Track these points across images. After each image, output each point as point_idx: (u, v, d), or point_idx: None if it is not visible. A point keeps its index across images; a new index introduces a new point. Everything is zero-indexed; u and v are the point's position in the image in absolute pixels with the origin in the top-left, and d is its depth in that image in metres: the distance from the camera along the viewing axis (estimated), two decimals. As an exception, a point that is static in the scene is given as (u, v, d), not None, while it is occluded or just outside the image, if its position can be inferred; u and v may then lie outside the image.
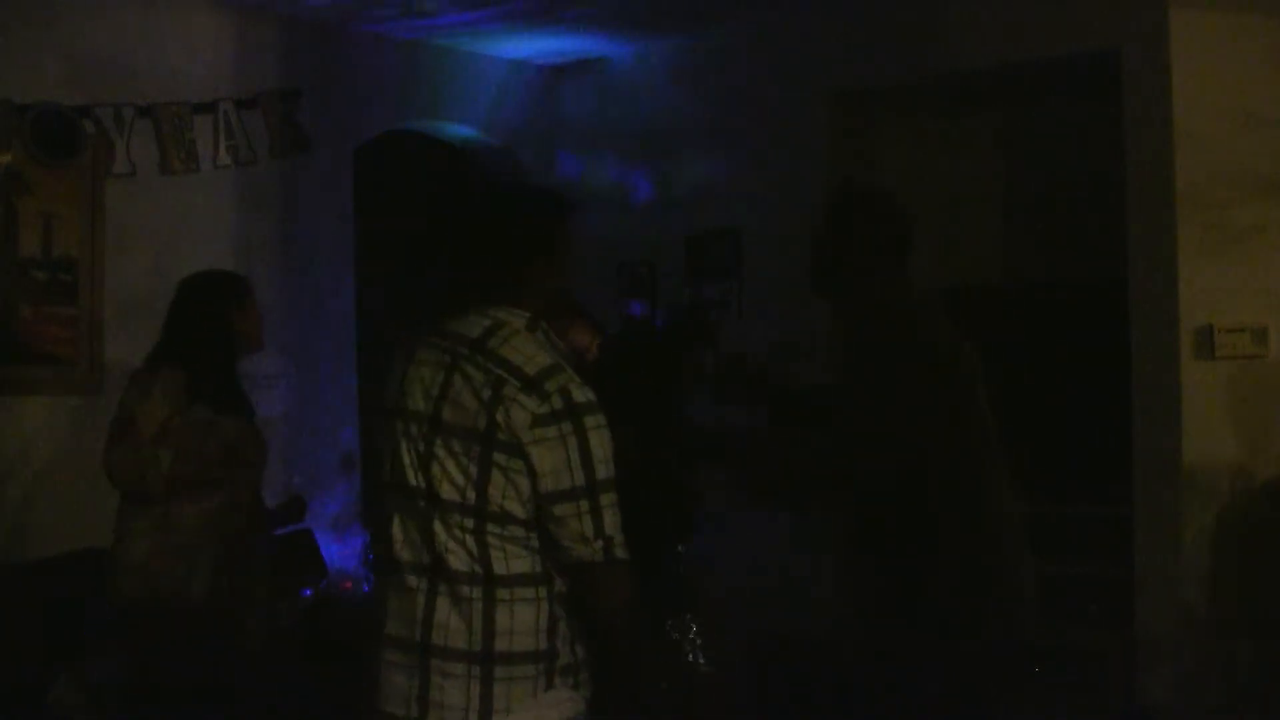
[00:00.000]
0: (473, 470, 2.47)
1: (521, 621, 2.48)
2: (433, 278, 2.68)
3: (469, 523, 2.48)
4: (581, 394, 2.49)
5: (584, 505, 2.46)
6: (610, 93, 6.75)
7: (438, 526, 2.50)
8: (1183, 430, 4.88)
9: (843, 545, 3.48)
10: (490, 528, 2.48)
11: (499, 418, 2.44)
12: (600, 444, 2.49)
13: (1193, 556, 4.90)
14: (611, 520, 2.49)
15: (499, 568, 2.47)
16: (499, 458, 2.45)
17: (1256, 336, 4.88)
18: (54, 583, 4.34)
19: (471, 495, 2.47)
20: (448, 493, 2.49)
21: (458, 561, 2.48)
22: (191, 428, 3.59)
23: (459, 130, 6.67)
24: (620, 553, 2.50)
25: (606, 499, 2.49)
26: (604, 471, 2.49)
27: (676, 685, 3.51)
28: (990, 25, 5.40)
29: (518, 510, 2.47)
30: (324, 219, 5.94)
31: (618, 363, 3.75)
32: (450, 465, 2.49)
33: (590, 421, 2.48)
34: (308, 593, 5.30)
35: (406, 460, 2.55)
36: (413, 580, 2.52)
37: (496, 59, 6.67)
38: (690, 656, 3.55)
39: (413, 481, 2.54)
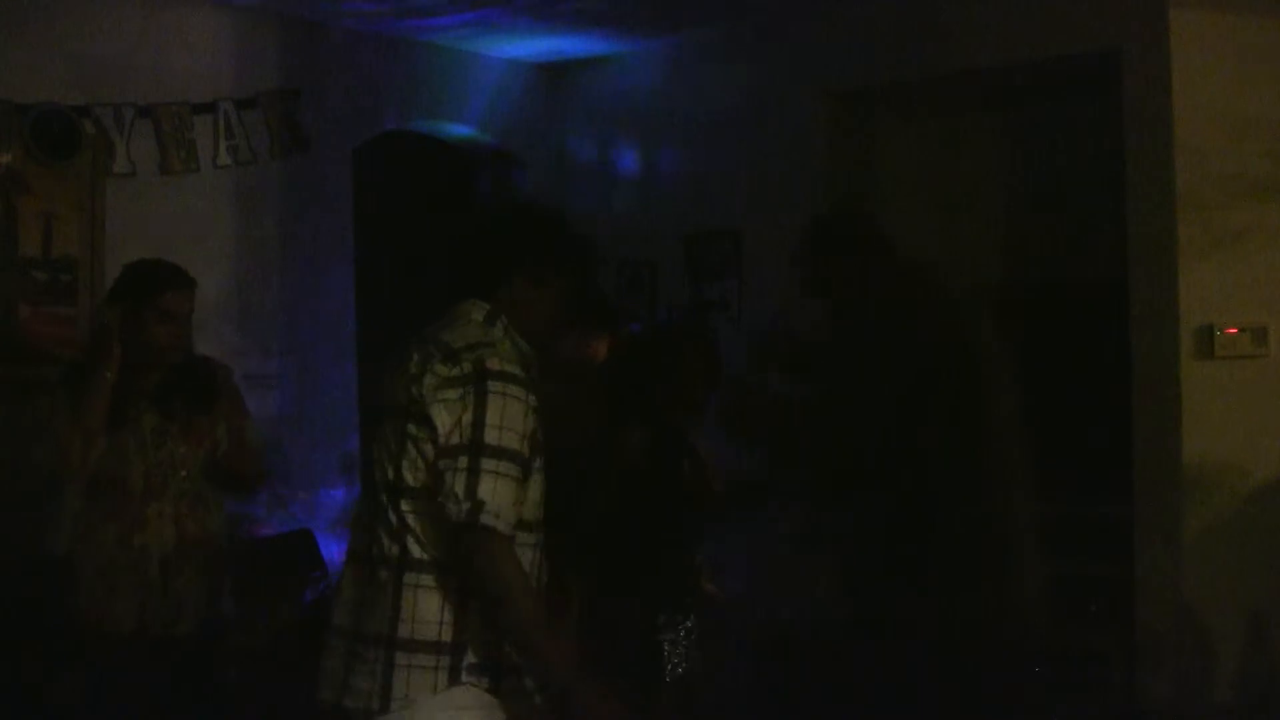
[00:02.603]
0: (394, 447, 2.50)
1: (425, 609, 2.45)
2: (432, 280, 2.69)
3: (393, 501, 2.50)
4: (497, 363, 2.47)
5: (462, 462, 2.41)
6: (610, 93, 6.75)
7: (379, 514, 2.53)
8: (1183, 430, 4.88)
9: (844, 540, 3.51)
10: (405, 505, 2.48)
11: (414, 389, 2.47)
12: (499, 410, 2.44)
13: (1193, 556, 4.90)
14: (489, 487, 2.41)
15: (414, 551, 2.47)
16: (411, 428, 2.47)
17: (1256, 336, 4.88)
18: (55, 583, 4.33)
19: (391, 473, 2.50)
20: (379, 474, 2.54)
21: (382, 546, 2.51)
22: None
23: (459, 130, 6.67)
24: (490, 520, 2.40)
25: (490, 464, 2.42)
26: (494, 437, 2.43)
27: (660, 691, 3.51)
28: (990, 25, 5.39)
29: (425, 479, 2.46)
30: (324, 219, 5.94)
31: (623, 365, 3.76)
32: (380, 447, 2.54)
33: (494, 387, 2.45)
34: (308, 595, 5.30)
35: (376, 455, 2.58)
36: (356, 570, 2.58)
37: (496, 59, 6.67)
38: (680, 661, 3.54)
39: (375, 474, 2.58)
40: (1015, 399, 3.40)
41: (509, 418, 2.45)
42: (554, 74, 6.89)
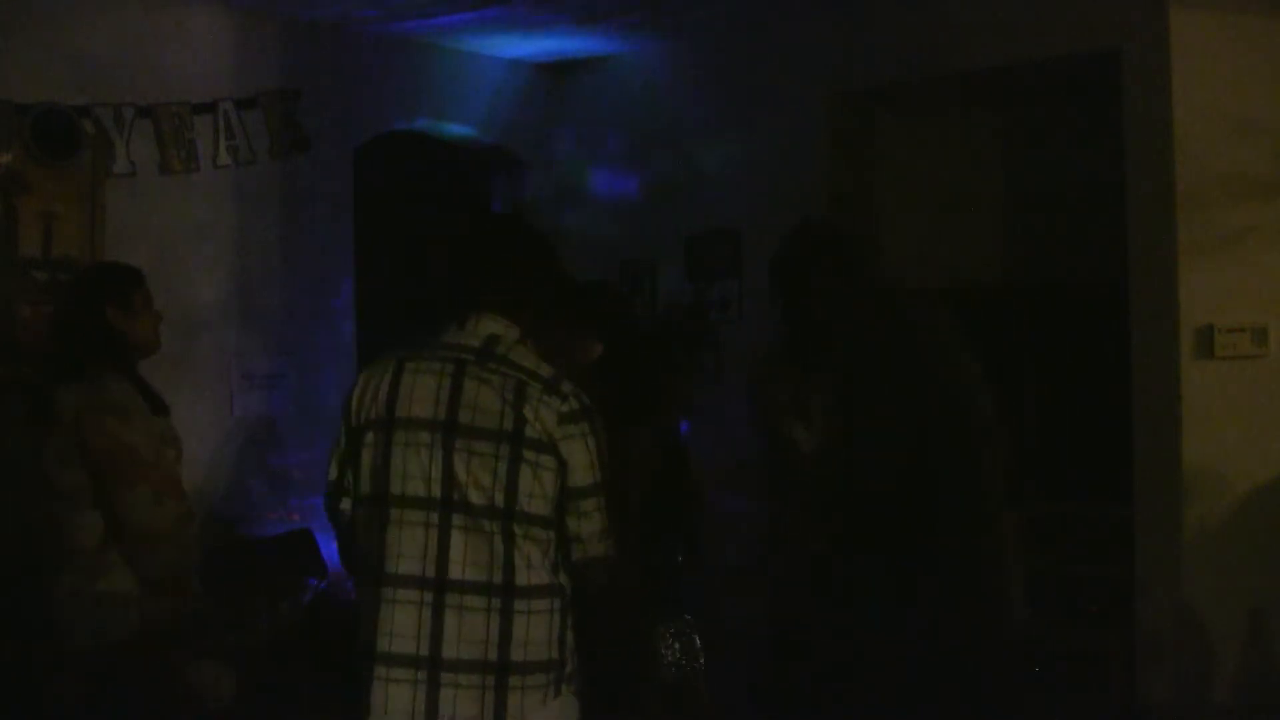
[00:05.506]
0: (502, 470, 2.52)
1: (537, 632, 2.53)
2: (432, 282, 2.69)
3: (495, 526, 2.51)
4: (587, 399, 2.63)
5: (600, 502, 2.59)
6: (610, 93, 6.75)
7: (456, 537, 2.52)
8: (1183, 430, 4.88)
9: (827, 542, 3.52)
10: (516, 529, 2.52)
11: (528, 414, 2.53)
12: (604, 446, 2.62)
13: (1193, 556, 4.90)
14: (610, 519, 2.63)
15: (520, 579, 2.52)
16: (528, 454, 2.52)
17: (1256, 336, 4.88)
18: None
19: (500, 497, 2.52)
20: (476, 496, 2.53)
21: (474, 572, 2.51)
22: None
23: (459, 130, 6.67)
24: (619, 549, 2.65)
25: (606, 499, 2.62)
26: (607, 475, 2.62)
27: (668, 690, 3.51)
28: (990, 25, 5.39)
29: (542, 509, 2.54)
30: (324, 219, 5.94)
31: (617, 361, 3.76)
32: (476, 467, 2.53)
33: (598, 425, 2.62)
34: (308, 595, 5.30)
35: (414, 470, 2.56)
36: (413, 594, 2.53)
37: (496, 59, 6.67)
38: (683, 661, 3.55)
39: (425, 492, 2.55)
40: (989, 404, 3.40)
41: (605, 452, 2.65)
42: (554, 74, 6.89)
